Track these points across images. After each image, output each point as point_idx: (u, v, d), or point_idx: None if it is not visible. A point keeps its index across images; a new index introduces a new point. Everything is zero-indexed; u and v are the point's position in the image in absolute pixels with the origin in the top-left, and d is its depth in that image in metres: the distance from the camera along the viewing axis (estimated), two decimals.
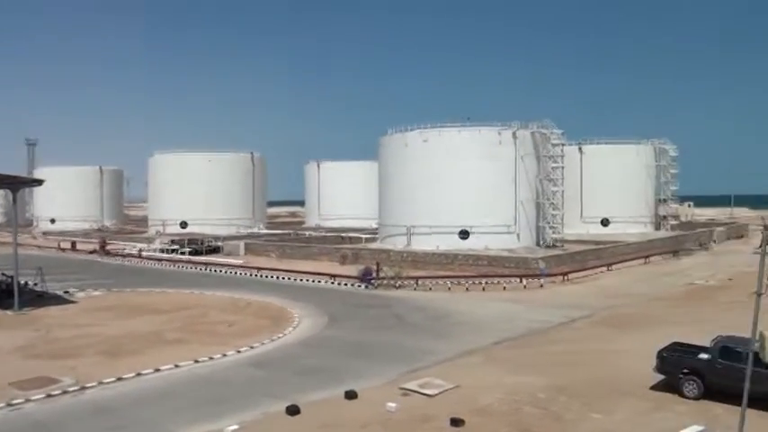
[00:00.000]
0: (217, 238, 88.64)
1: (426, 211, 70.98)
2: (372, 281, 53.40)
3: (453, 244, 68.59)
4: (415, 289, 51.66)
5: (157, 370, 27.95)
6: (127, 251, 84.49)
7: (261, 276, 61.30)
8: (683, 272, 60.71)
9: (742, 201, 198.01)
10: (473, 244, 68.82)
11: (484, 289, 51.05)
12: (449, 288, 51.55)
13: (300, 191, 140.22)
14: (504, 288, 51.30)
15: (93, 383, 25.91)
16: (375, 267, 55.95)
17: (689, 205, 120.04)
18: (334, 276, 56.22)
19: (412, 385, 24.89)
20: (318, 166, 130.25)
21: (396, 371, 27.40)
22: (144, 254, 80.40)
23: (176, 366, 28.56)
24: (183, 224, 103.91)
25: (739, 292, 46.89)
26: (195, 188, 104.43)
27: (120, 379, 26.67)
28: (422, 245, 69.44)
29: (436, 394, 24.02)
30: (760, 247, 16.92)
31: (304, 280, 57.51)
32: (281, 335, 34.97)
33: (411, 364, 28.51)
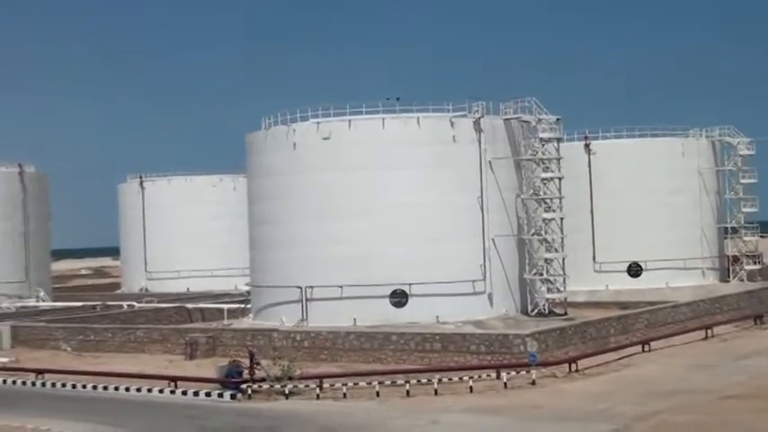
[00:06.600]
0: None
1: (334, 261, 70.80)
2: (243, 385, 52.55)
3: (383, 315, 68.66)
4: (318, 397, 51.08)
5: None
6: None
7: (44, 385, 59.57)
8: None
9: None
10: (416, 314, 68.98)
11: (436, 392, 50.79)
12: (377, 393, 51.01)
13: (113, 231, 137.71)
14: (471, 389, 51.25)
15: None
16: (248, 362, 55.00)
17: None
18: (175, 380, 55.15)
19: None
20: (142, 185, 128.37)
21: None
22: None
23: None
24: None
25: None
26: None
27: None
28: (328, 319, 69.05)
29: None
30: None
31: (122, 389, 56.14)
32: None
33: None
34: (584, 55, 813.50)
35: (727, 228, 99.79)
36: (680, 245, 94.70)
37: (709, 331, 69.71)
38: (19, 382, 61.29)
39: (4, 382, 61.93)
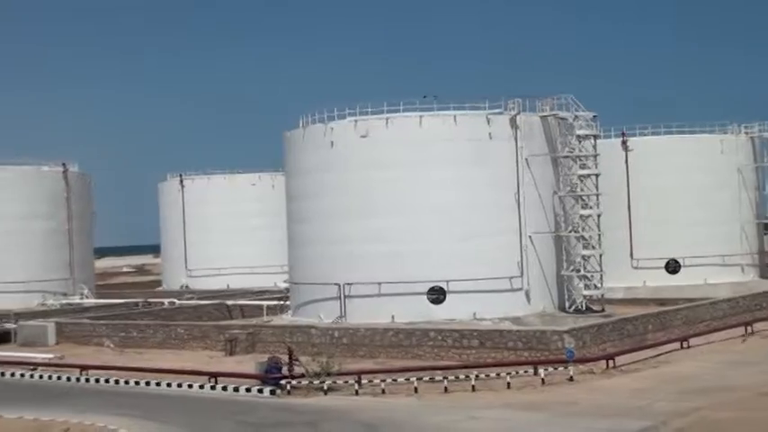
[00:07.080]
0: (5, 315, 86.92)
1: (372, 258, 71.15)
2: (283, 381, 52.87)
3: (421, 312, 68.82)
4: (356, 393, 51.19)
5: None
6: None
7: (87, 381, 60.28)
8: None
9: None
10: (453, 311, 69.18)
11: (474, 388, 50.98)
12: (415, 389, 51.29)
13: (153, 229, 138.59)
14: (509, 385, 51.32)
15: None
16: (287, 358, 55.27)
17: None
18: (215, 376, 55.64)
19: None
20: (182, 183, 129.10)
21: None
22: None
23: None
24: None
25: None
26: None
27: None
28: (365, 316, 69.41)
29: None
30: None
31: (163, 384, 56.61)
32: None
33: None
34: (618, 52, 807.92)
35: (767, 224, 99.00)
36: (719, 241, 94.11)
37: (748, 328, 69.08)
38: (64, 377, 62.05)
39: (50, 377, 62.78)
